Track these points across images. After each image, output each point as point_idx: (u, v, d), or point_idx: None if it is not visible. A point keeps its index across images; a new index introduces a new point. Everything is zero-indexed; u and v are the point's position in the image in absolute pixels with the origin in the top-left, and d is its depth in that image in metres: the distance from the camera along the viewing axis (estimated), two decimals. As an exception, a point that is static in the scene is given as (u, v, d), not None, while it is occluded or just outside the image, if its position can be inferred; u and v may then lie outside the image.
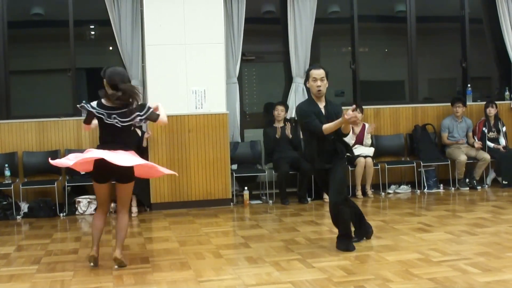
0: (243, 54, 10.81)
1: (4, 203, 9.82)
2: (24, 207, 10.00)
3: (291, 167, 10.38)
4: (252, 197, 10.54)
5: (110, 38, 10.71)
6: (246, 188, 10.33)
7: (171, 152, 10.05)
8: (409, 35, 11.87)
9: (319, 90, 6.81)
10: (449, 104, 11.45)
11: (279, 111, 10.68)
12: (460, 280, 5.65)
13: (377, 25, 12.97)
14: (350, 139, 10.57)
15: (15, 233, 8.99)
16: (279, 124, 10.66)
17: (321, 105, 6.89)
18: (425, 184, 11.07)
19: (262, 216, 9.47)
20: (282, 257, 6.70)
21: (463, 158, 11.01)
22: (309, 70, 6.99)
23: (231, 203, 10.28)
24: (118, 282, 5.99)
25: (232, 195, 10.37)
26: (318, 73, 6.82)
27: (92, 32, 13.73)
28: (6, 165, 9.97)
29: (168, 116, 9.13)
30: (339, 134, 6.83)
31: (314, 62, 10.86)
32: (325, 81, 6.87)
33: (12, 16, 10.89)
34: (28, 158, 10.26)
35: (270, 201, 10.40)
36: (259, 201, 10.56)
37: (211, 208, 10.00)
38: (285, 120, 10.76)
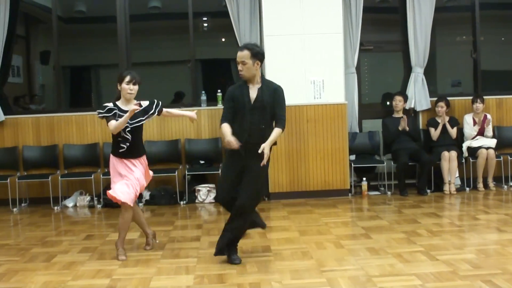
0: (361, 44, 10.71)
1: (127, 190, 10.12)
2: (146, 194, 10.27)
3: (410, 158, 10.24)
4: (370, 188, 10.46)
5: (224, 29, 10.82)
6: (364, 179, 10.27)
7: (290, 142, 10.10)
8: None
9: (240, 74, 6.19)
10: None
11: (397, 101, 10.55)
12: None
13: (494, 13, 12.56)
14: (471, 130, 10.36)
15: (138, 220, 9.24)
16: (397, 115, 10.52)
17: (255, 86, 6.23)
18: (551, 177, 10.67)
19: (381, 207, 9.38)
20: (405, 249, 6.63)
21: None
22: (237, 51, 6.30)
23: (349, 194, 10.24)
24: (241, 269, 6.06)
25: (350, 186, 10.33)
26: (239, 55, 6.16)
27: (205, 24, 13.96)
28: (130, 154, 10.24)
29: (287, 106, 9.19)
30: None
31: (432, 51, 10.72)
32: (249, 64, 6.11)
33: (133, 10, 11.15)
34: (149, 147, 10.49)
35: (389, 192, 10.29)
36: (377, 192, 10.48)
37: (329, 199, 9.99)
38: (404, 110, 10.61)
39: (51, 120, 10.64)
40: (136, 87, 6.59)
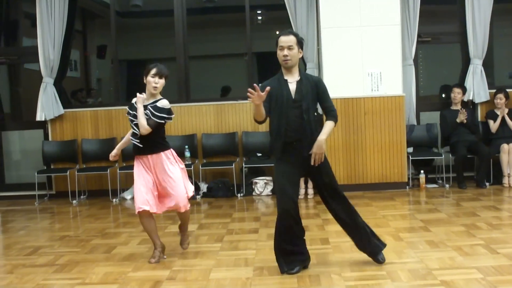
0: (418, 36, 10.59)
1: (185, 183, 10.20)
2: (204, 187, 10.35)
3: (468, 151, 10.11)
4: (428, 180, 10.35)
5: (278, 22, 10.81)
6: (422, 171, 10.17)
7: (347, 135, 10.06)
8: None
9: (286, 60, 5.64)
10: None
11: (456, 93, 10.41)
12: None
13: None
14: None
15: (195, 211, 9.32)
16: (456, 107, 10.39)
17: (292, 79, 5.71)
18: None
19: (439, 200, 9.28)
20: (464, 242, 6.55)
21: None
22: (277, 37, 5.75)
23: (407, 187, 10.15)
24: (300, 262, 6.06)
25: (408, 179, 10.23)
26: (286, 40, 5.65)
27: (259, 17, 13.97)
28: (186, 146, 10.34)
29: (344, 99, 9.22)
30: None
31: (489, 42, 10.55)
32: (295, 50, 5.64)
33: (189, 3, 11.20)
34: (207, 140, 10.57)
35: (447, 185, 10.18)
36: (435, 185, 10.37)
37: (386, 192, 9.93)
38: (463, 103, 10.47)
39: (109, 114, 10.79)
40: (162, 81, 6.28)
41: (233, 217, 8.61)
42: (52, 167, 10.93)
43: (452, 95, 10.44)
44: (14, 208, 10.19)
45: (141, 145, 6.26)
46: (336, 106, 9.75)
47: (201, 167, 10.34)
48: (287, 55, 5.61)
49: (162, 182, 6.31)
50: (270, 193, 10.06)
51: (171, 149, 6.45)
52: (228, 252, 6.62)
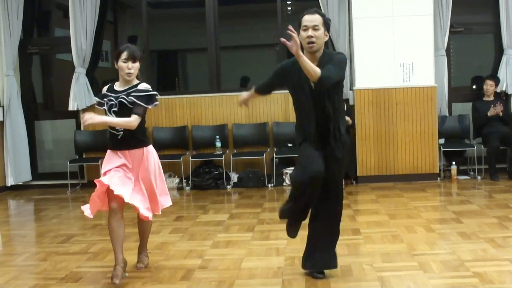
0: (451, 26, 10.50)
1: (216, 173, 10.24)
2: (234, 177, 10.38)
3: (501, 142, 10.02)
4: (459, 172, 10.28)
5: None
6: (453, 163, 10.10)
7: (378, 125, 10.03)
8: None
9: (310, 43, 4.92)
10: None
11: (488, 85, 10.31)
12: None
13: None
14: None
15: (226, 201, 9.36)
16: (488, 98, 10.30)
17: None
18: None
19: (471, 191, 9.22)
20: (497, 234, 6.51)
21: None
22: (301, 16, 5.05)
23: (438, 178, 10.10)
24: (332, 252, 6.06)
25: (439, 170, 10.18)
26: (311, 19, 4.93)
27: (289, 8, 13.94)
28: (217, 136, 10.36)
29: (375, 89, 9.20)
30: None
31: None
32: (321, 31, 4.93)
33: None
34: (237, 130, 10.59)
35: (479, 177, 10.10)
36: (466, 177, 10.30)
37: (417, 183, 9.88)
38: (495, 94, 10.38)
39: (141, 104, 10.81)
40: (136, 65, 5.45)
41: (264, 207, 8.62)
42: (84, 156, 11.00)
43: (485, 87, 10.34)
44: (47, 197, 10.29)
45: (120, 132, 5.46)
46: (368, 96, 9.89)
47: (232, 157, 10.36)
48: (311, 36, 4.89)
49: (142, 180, 5.59)
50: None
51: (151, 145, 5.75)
52: (260, 242, 6.64)
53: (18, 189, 10.94)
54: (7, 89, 10.69)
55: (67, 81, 10.74)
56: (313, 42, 4.91)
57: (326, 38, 5.03)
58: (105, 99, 5.50)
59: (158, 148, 10.36)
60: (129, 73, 5.43)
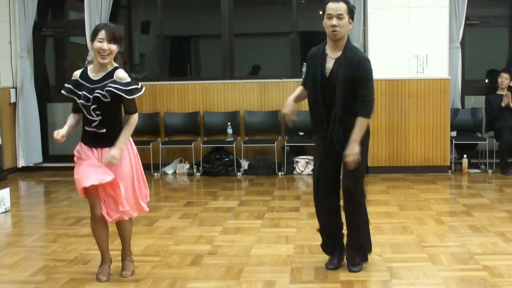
0: (466, 18, 10.44)
1: (226, 159, 10.24)
2: (245, 164, 10.38)
3: (513, 137, 9.99)
4: (470, 165, 10.23)
5: (321, 2, 10.72)
6: (465, 156, 10.06)
7: (391, 116, 10.00)
8: None
9: (334, 32, 4.85)
10: None
11: (503, 78, 10.26)
12: None
13: None
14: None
15: (236, 188, 9.37)
16: (502, 92, 10.25)
17: (333, 55, 4.93)
18: None
19: (482, 185, 9.19)
20: (508, 228, 6.50)
21: None
22: (325, 3, 4.96)
23: (449, 171, 10.07)
24: (341, 241, 6.06)
25: (451, 163, 10.15)
26: (335, 7, 4.84)
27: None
28: (229, 123, 10.36)
29: (389, 80, 9.19)
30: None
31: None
32: (345, 20, 4.85)
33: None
34: (249, 118, 10.58)
35: (490, 171, 10.06)
36: (477, 170, 10.26)
37: (428, 175, 9.85)
38: (509, 87, 10.33)
39: (153, 89, 10.82)
40: (113, 47, 4.79)
41: (274, 195, 8.62)
42: (95, 139, 11.00)
43: (500, 80, 10.29)
44: (58, 179, 10.31)
45: (102, 130, 5.08)
46: (381, 87, 9.81)
47: (243, 144, 10.36)
48: (335, 25, 4.81)
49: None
50: (311, 172, 10.05)
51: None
52: (269, 229, 6.64)
53: (29, 171, 10.97)
54: (20, 71, 10.71)
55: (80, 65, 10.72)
56: (337, 31, 4.84)
57: (351, 26, 4.96)
58: (81, 93, 4.90)
59: (169, 133, 10.48)
60: (103, 55, 4.78)
